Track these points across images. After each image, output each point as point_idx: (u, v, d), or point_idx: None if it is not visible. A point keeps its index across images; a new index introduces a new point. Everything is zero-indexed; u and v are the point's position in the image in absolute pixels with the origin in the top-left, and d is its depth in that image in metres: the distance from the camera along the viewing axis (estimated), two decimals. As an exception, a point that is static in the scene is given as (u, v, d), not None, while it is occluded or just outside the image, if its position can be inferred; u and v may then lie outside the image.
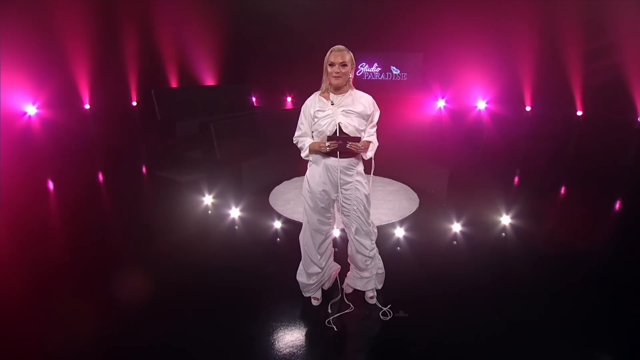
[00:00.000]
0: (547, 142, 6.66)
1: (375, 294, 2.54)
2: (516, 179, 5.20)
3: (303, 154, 2.26)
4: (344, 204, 2.32)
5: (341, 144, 2.08)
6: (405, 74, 8.69)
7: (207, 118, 5.24)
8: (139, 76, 7.62)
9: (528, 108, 7.86)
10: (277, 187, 4.72)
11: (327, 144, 2.08)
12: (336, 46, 2.12)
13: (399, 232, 3.55)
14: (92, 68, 7.24)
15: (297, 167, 5.22)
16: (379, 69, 8.94)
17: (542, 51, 7.08)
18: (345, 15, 7.99)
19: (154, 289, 2.71)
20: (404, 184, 4.72)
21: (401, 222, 3.77)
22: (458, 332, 2.31)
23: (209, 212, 4.08)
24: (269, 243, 3.43)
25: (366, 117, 2.18)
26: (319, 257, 2.40)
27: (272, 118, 5.49)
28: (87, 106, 7.56)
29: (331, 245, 2.47)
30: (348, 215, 2.34)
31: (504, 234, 3.61)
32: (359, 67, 9.18)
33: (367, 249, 2.38)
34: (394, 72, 8.81)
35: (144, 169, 5.56)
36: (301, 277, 2.49)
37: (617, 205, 4.41)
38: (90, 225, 3.73)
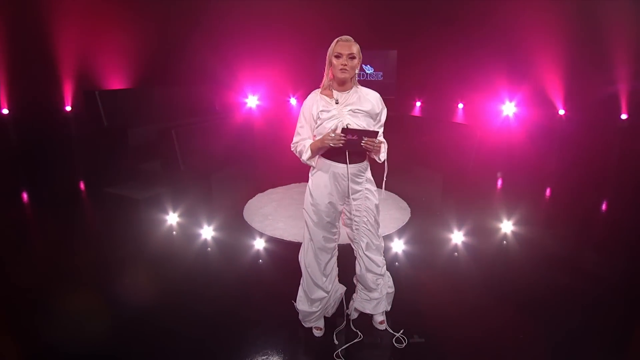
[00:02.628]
0: (584, 151, 6.32)
1: (385, 317, 2.45)
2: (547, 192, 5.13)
3: (304, 156, 2.13)
4: (352, 217, 2.23)
5: (356, 140, 1.97)
6: (381, 73, 8.85)
7: (167, 124, 4.96)
8: (75, 76, 7.11)
9: (562, 112, 7.33)
10: (250, 201, 4.58)
11: (340, 134, 1.95)
12: (343, 36, 2.05)
13: (396, 245, 3.51)
14: (9, 66, 6.64)
15: (271, 179, 5.16)
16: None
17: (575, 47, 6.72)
18: (312, 10, 8.02)
19: (109, 330, 2.44)
20: (391, 192, 4.73)
21: (395, 234, 3.74)
22: (484, 356, 2.26)
23: (174, 232, 3.83)
24: (250, 267, 3.25)
25: (374, 116, 2.11)
26: (324, 279, 2.28)
27: (242, 123, 5.31)
28: (5, 111, 6.92)
29: (336, 264, 2.36)
30: (357, 229, 2.25)
31: (505, 242, 3.69)
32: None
33: (378, 266, 2.31)
34: (367, 72, 8.95)
35: (84, 185, 5.14)
36: (302, 304, 2.35)
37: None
38: (17, 265, 3.23)
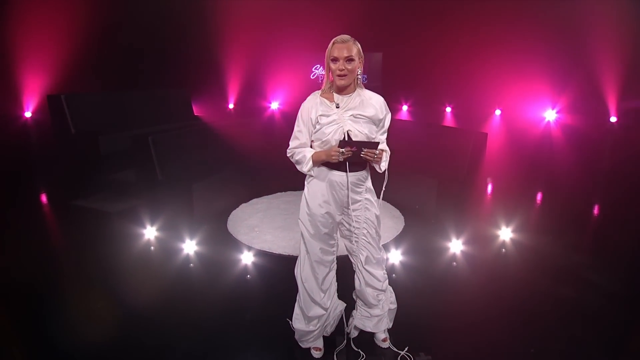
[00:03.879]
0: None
1: (388, 335, 2.41)
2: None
3: (305, 168, 2.08)
4: (351, 228, 2.18)
5: (355, 152, 1.94)
6: (365, 76, 8.92)
7: (142, 130, 4.81)
8: (36, 79, 6.82)
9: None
10: (234, 212, 4.50)
11: (342, 150, 1.93)
12: (339, 36, 2.01)
13: (392, 256, 3.48)
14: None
15: (255, 187, 5.08)
16: (335, 71, 9.10)
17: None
18: (296, 12, 8.03)
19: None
20: (383, 200, 4.71)
21: (391, 244, 3.72)
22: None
23: (152, 248, 3.70)
24: (238, 283, 3.15)
25: (377, 122, 2.08)
26: (322, 295, 2.22)
27: (223, 130, 5.23)
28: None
29: (335, 279, 2.31)
30: (356, 242, 2.21)
31: (504, 249, 3.73)
32: (313, 69, 9.27)
33: (379, 281, 2.27)
34: (352, 75, 9.00)
35: (48, 199, 4.92)
36: (299, 323, 2.28)
37: None
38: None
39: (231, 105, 8.52)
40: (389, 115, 2.14)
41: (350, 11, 7.91)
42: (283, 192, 5.05)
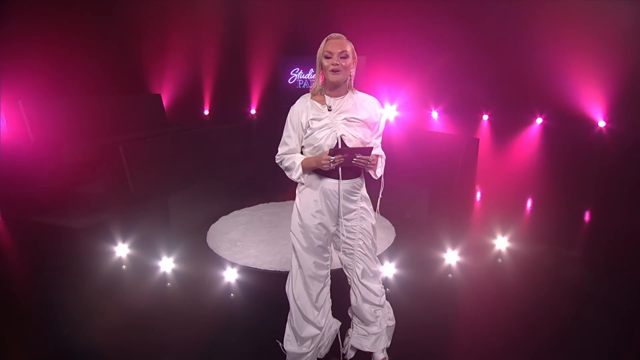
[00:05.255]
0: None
1: (387, 355, 2.36)
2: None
3: (294, 175, 2.05)
4: (346, 240, 2.15)
5: (347, 158, 1.92)
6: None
7: (111, 139, 4.68)
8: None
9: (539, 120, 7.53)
10: (214, 226, 4.41)
11: (332, 158, 1.90)
12: (333, 34, 2.00)
13: (385, 269, 3.46)
14: None
15: (237, 199, 4.99)
16: (317, 75, 9.13)
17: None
18: (274, 15, 8.06)
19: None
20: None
21: (383, 257, 3.69)
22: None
23: (124, 267, 3.57)
24: (221, 303, 3.07)
25: (372, 126, 2.07)
26: (316, 313, 2.17)
27: (200, 137, 5.14)
28: None
29: (329, 295, 2.26)
30: (351, 254, 2.18)
31: (500, 259, 3.76)
32: (291, 73, 9.28)
33: (376, 295, 2.23)
34: (334, 79, 9.06)
35: (2, 215, 4.69)
36: (291, 344, 2.21)
37: None
38: None
39: (207, 112, 8.43)
40: (384, 119, 2.13)
41: (332, 14, 7.99)
42: (265, 204, 4.98)
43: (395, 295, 3.13)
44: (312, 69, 9.22)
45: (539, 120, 7.81)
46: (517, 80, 7.35)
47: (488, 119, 8.45)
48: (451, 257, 3.68)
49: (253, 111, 8.62)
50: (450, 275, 3.48)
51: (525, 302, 3.08)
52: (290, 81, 9.18)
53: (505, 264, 3.67)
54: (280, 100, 8.79)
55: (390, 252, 3.80)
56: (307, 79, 9.22)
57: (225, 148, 5.50)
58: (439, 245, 3.85)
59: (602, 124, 7.29)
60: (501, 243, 3.93)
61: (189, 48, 7.70)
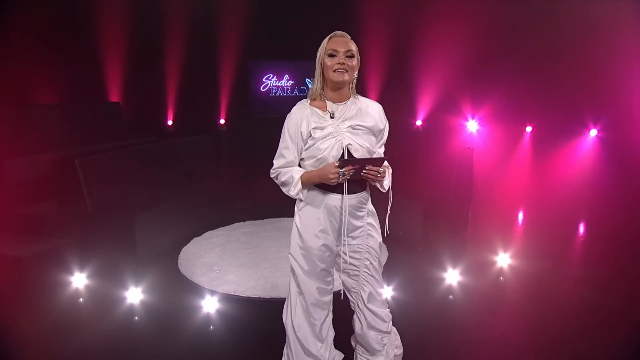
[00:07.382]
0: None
1: (394, 387, 2.30)
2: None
3: (292, 191, 1.98)
4: (350, 260, 2.09)
5: (357, 170, 1.86)
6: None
7: (63, 152, 4.48)
8: None
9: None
10: (186, 249, 4.29)
11: (342, 170, 1.84)
12: (336, 32, 1.97)
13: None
14: None
15: (210, 218, 4.84)
16: (291, 82, 9.12)
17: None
18: (244, 16, 8.04)
19: None
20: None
21: (379, 278, 3.65)
22: None
23: (81, 300, 3.39)
24: (199, 337, 2.93)
25: (377, 134, 2.04)
26: (319, 345, 2.08)
27: (166, 150, 5.01)
28: None
29: (332, 324, 2.18)
30: (356, 276, 2.12)
31: (501, 277, 3.79)
32: (263, 79, 9.25)
33: (384, 321, 2.17)
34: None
35: None
36: (290, 382, 2.11)
37: None
38: None
39: (170, 122, 8.23)
40: (388, 125, 2.11)
41: (307, 16, 8.03)
42: (242, 222, 4.86)
43: (396, 319, 3.08)
44: (286, 75, 9.23)
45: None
46: (506, 90, 7.32)
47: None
48: (451, 276, 3.69)
49: (222, 121, 8.48)
50: (451, 296, 3.49)
51: (531, 323, 3.10)
52: (263, 88, 9.13)
53: (507, 281, 3.70)
54: (253, 108, 8.72)
55: (386, 271, 3.74)
56: (282, 86, 9.19)
57: (194, 161, 5.38)
58: (435, 262, 3.85)
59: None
60: (503, 260, 3.96)
61: (151, 51, 7.54)
